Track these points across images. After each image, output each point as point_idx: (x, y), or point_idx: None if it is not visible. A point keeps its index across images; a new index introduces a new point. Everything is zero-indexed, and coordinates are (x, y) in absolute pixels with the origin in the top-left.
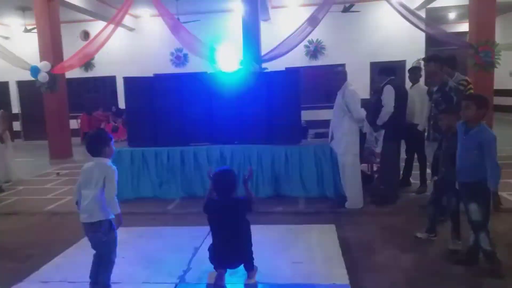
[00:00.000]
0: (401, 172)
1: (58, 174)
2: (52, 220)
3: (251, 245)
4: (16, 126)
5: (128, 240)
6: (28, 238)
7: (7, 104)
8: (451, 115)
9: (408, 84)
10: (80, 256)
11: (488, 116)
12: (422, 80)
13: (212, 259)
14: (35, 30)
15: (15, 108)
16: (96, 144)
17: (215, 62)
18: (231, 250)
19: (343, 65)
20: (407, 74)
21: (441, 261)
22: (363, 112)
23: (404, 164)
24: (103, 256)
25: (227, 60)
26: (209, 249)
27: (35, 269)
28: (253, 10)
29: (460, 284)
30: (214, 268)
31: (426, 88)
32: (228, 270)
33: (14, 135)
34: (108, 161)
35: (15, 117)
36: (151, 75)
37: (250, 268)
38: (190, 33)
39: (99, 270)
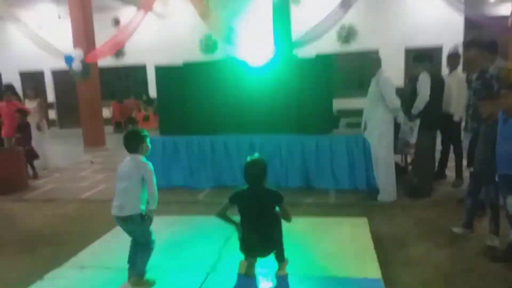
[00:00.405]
0: (436, 164)
1: (92, 162)
2: (88, 208)
3: (281, 236)
4: (52, 114)
5: (161, 228)
6: (65, 225)
7: (43, 93)
8: (492, 101)
9: (444, 71)
10: (115, 243)
11: None
12: (459, 67)
13: (242, 248)
14: (68, 18)
15: (51, 97)
16: (133, 141)
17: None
18: (261, 240)
19: (376, 51)
20: (444, 61)
21: (478, 257)
22: (398, 101)
23: (439, 155)
24: (141, 243)
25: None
26: (239, 239)
27: (72, 255)
28: None
29: (498, 282)
30: (245, 257)
31: (465, 75)
32: (258, 260)
33: (50, 123)
34: (143, 158)
35: (50, 105)
36: (180, 62)
37: (281, 259)
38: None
39: (137, 255)
